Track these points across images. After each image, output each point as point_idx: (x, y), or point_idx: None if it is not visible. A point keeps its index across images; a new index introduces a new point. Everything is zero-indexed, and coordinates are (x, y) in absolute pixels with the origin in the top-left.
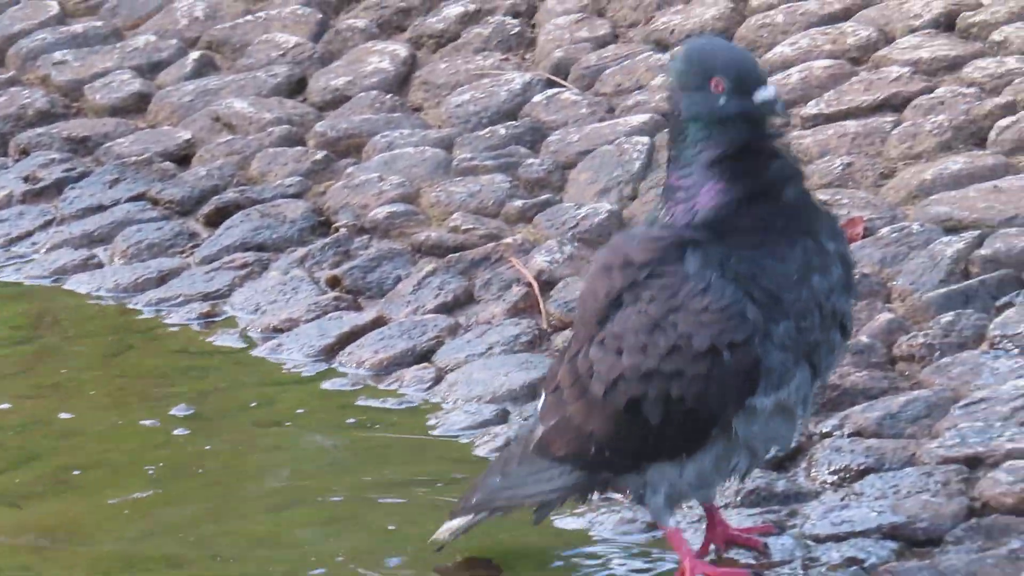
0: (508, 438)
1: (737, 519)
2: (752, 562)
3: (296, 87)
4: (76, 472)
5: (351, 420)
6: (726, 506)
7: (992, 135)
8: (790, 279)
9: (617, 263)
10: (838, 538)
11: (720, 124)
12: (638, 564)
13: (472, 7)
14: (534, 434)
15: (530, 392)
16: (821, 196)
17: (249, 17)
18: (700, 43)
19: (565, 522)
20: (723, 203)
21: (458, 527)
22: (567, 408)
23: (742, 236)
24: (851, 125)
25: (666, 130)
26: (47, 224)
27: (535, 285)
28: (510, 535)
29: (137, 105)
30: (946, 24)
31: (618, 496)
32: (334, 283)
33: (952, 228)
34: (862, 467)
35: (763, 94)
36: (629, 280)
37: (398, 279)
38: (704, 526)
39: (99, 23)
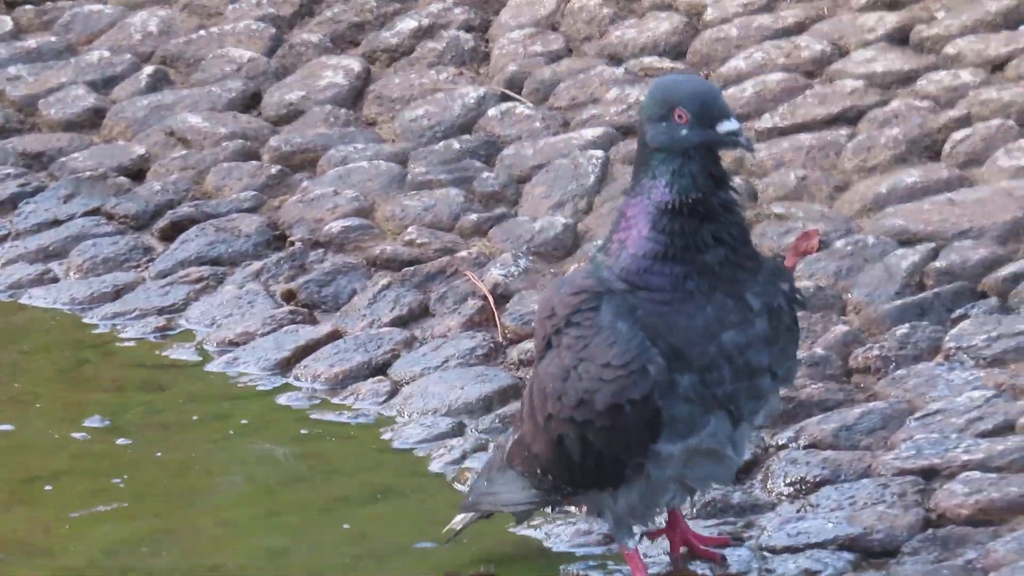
0: (464, 451)
1: (694, 527)
2: (709, 574)
3: (250, 102)
4: (30, 485)
5: (307, 433)
6: (685, 516)
7: (946, 148)
8: (696, 335)
9: (546, 311)
10: (794, 550)
11: (683, 155)
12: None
13: (426, 22)
14: (508, 444)
15: (486, 405)
16: (776, 209)
17: (203, 32)
18: (667, 78)
19: (522, 532)
20: (645, 253)
21: (459, 522)
22: (523, 427)
23: (656, 291)
24: (806, 138)
25: (621, 142)
26: (2, 239)
27: (490, 298)
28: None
29: (91, 120)
30: (899, 38)
31: (574, 509)
32: (289, 297)
33: (907, 241)
34: (818, 479)
35: (727, 126)
36: (554, 327)
37: (353, 293)
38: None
39: (53, 38)
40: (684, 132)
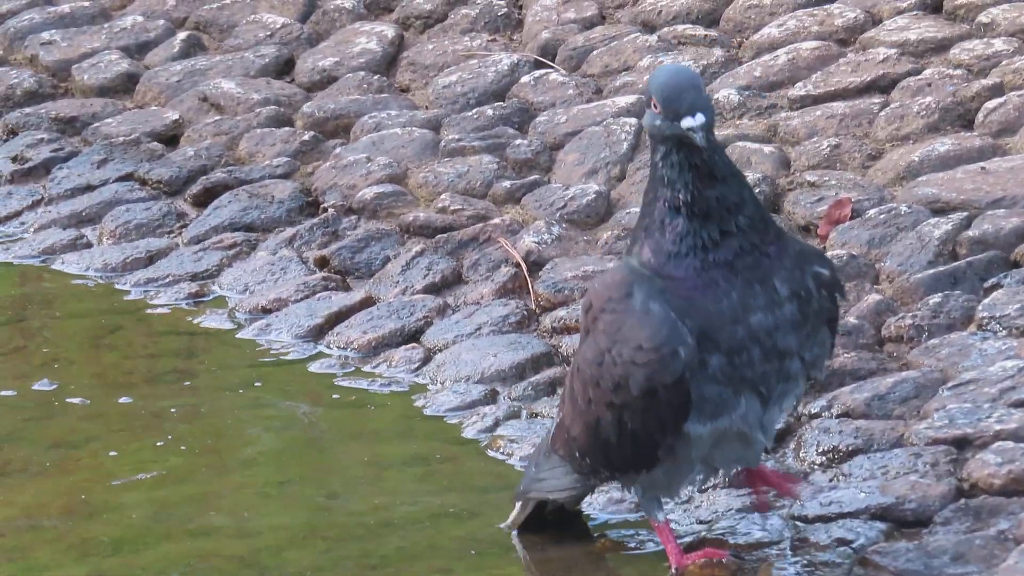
0: (497, 418)
1: (726, 500)
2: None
3: (284, 68)
4: (66, 451)
5: (339, 400)
6: (715, 487)
7: (979, 117)
8: (723, 318)
9: (585, 305)
10: (827, 519)
11: (663, 143)
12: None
13: None
14: (551, 429)
15: (518, 372)
16: (809, 177)
17: None
18: (661, 67)
19: None
20: (660, 251)
21: (516, 514)
22: (563, 411)
23: (680, 280)
24: (838, 106)
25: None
26: (35, 204)
27: (523, 266)
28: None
29: (125, 86)
30: (933, 6)
31: None
32: (322, 263)
33: (940, 209)
34: (850, 448)
35: (687, 122)
36: (592, 317)
37: (386, 260)
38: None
39: (87, 3)
40: (658, 122)
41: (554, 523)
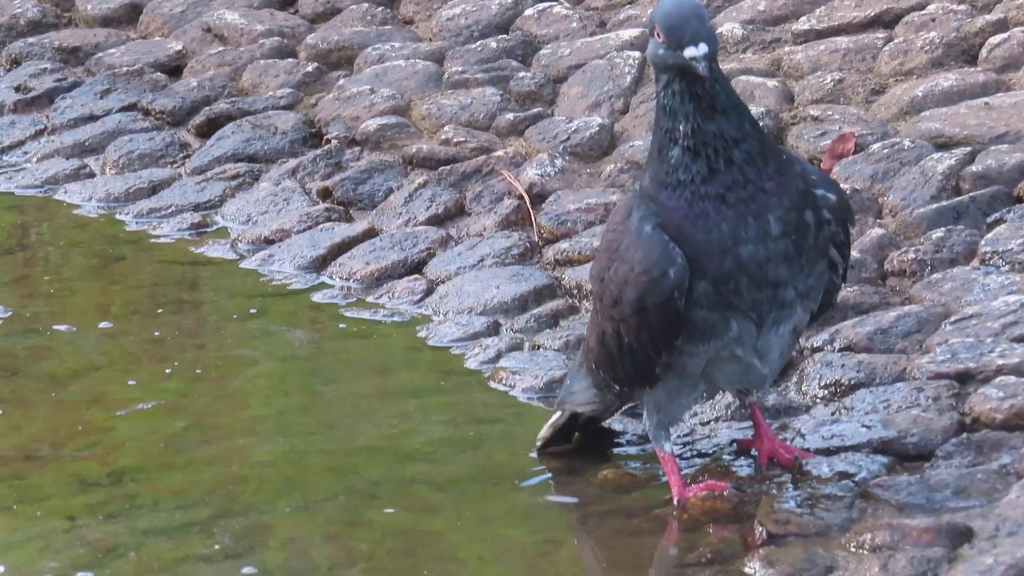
0: (499, 350)
1: (727, 432)
2: (745, 474)
3: None
4: (64, 381)
5: (342, 330)
6: (717, 419)
7: (983, 52)
8: (712, 248)
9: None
10: (829, 452)
11: (666, 72)
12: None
13: None
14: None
15: (521, 304)
16: (812, 111)
17: None
18: None
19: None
20: (654, 180)
21: (552, 421)
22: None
23: (672, 209)
24: (842, 41)
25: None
26: (38, 134)
27: (526, 198)
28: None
29: (128, 16)
30: None
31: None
32: (325, 194)
33: (943, 145)
34: (853, 382)
35: (689, 51)
36: (603, 235)
37: (389, 191)
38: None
39: None
40: (661, 51)
41: (585, 436)
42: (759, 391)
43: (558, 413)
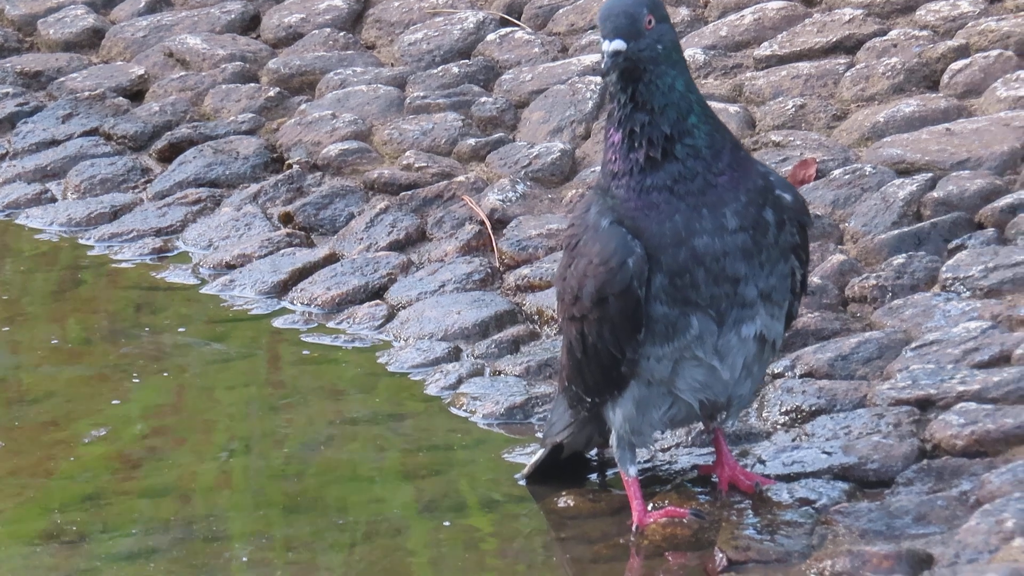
0: (460, 375)
1: (688, 459)
2: (704, 503)
3: (250, 24)
4: (24, 406)
5: (302, 356)
6: (677, 445)
7: (945, 78)
8: (665, 240)
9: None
10: (789, 478)
11: (605, 70)
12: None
13: None
14: None
15: (482, 330)
16: (774, 137)
17: None
18: None
19: (519, 459)
20: (604, 169)
21: (534, 459)
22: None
23: (625, 201)
24: (804, 67)
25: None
26: (0, 158)
27: (488, 223)
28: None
29: (90, 40)
30: None
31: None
32: (287, 219)
33: (904, 170)
34: (813, 408)
35: (605, 45)
36: (565, 234)
37: (351, 216)
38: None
39: None
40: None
41: (568, 471)
42: (724, 413)
43: (541, 451)
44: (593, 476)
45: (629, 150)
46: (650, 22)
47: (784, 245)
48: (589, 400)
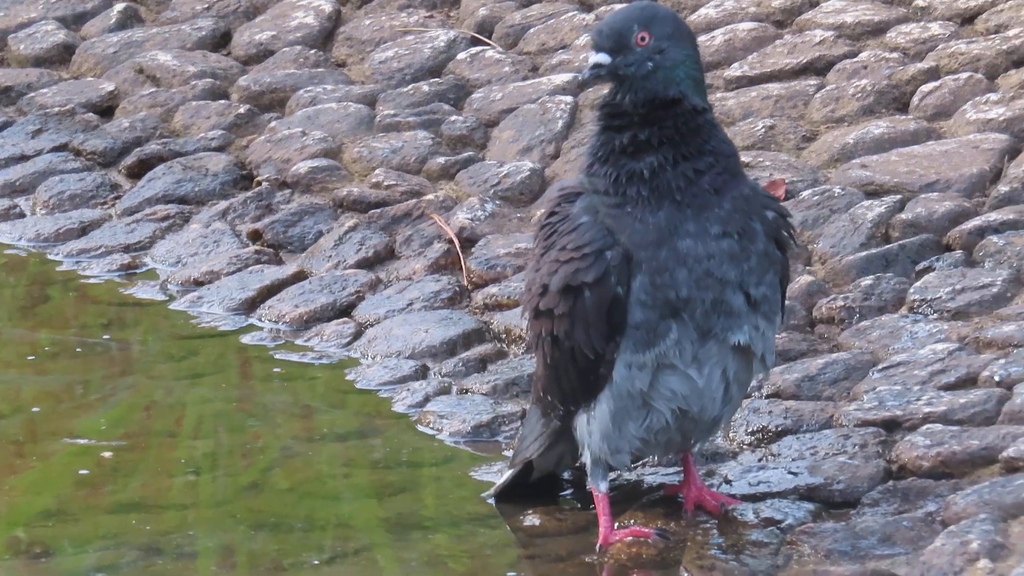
0: (427, 393)
1: (654, 478)
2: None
3: (220, 41)
4: None
5: (270, 373)
6: (644, 464)
7: (915, 100)
8: (646, 239)
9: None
10: (755, 498)
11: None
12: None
13: None
14: None
15: (450, 348)
16: (743, 158)
17: None
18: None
19: (487, 477)
20: (587, 152)
21: (501, 480)
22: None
23: (605, 194)
24: (774, 88)
25: (589, 89)
26: None
27: (456, 242)
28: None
29: (61, 56)
30: None
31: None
32: (255, 237)
33: (873, 192)
34: (780, 428)
35: (590, 57)
36: (538, 223)
37: (319, 234)
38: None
39: None
40: None
41: (536, 489)
42: (699, 436)
43: (510, 471)
44: (560, 494)
45: (608, 140)
46: (643, 39)
47: (773, 255)
48: (563, 409)
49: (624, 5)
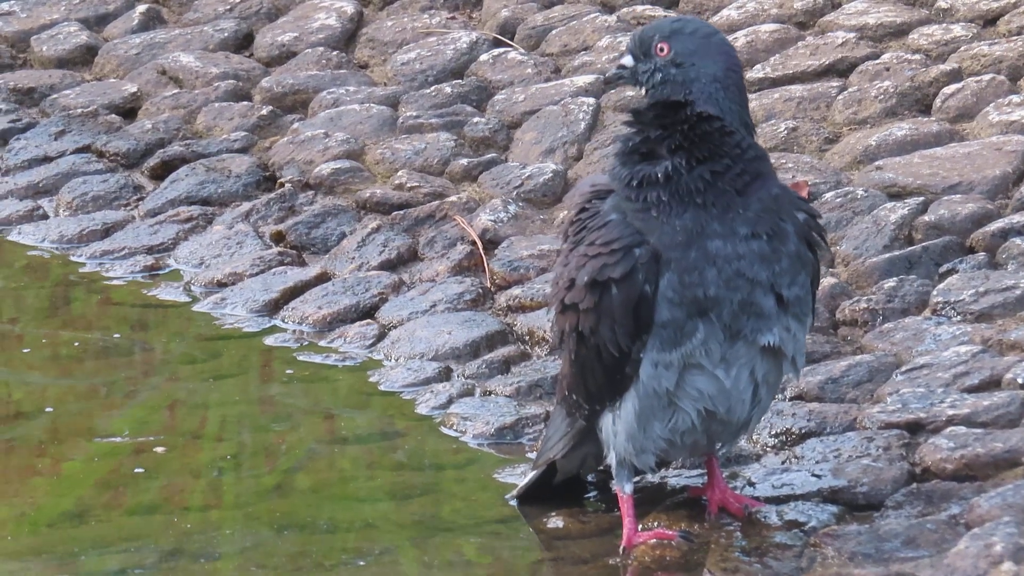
0: (451, 395)
1: (678, 480)
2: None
3: (243, 42)
4: (14, 422)
5: (293, 375)
6: (667, 466)
7: (937, 102)
8: (674, 239)
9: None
10: (779, 501)
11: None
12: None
13: None
14: None
15: (473, 350)
16: None
17: None
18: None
19: (511, 480)
20: (613, 152)
21: (525, 481)
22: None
23: (626, 193)
24: (797, 89)
25: (612, 90)
26: None
27: (479, 243)
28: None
29: (84, 57)
30: None
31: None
32: (278, 238)
33: (896, 194)
34: (803, 431)
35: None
36: (568, 220)
37: (342, 235)
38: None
39: None
40: None
41: (559, 491)
42: (726, 439)
43: (533, 472)
44: (584, 496)
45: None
46: (662, 50)
47: (806, 257)
48: (588, 408)
49: (668, 15)
